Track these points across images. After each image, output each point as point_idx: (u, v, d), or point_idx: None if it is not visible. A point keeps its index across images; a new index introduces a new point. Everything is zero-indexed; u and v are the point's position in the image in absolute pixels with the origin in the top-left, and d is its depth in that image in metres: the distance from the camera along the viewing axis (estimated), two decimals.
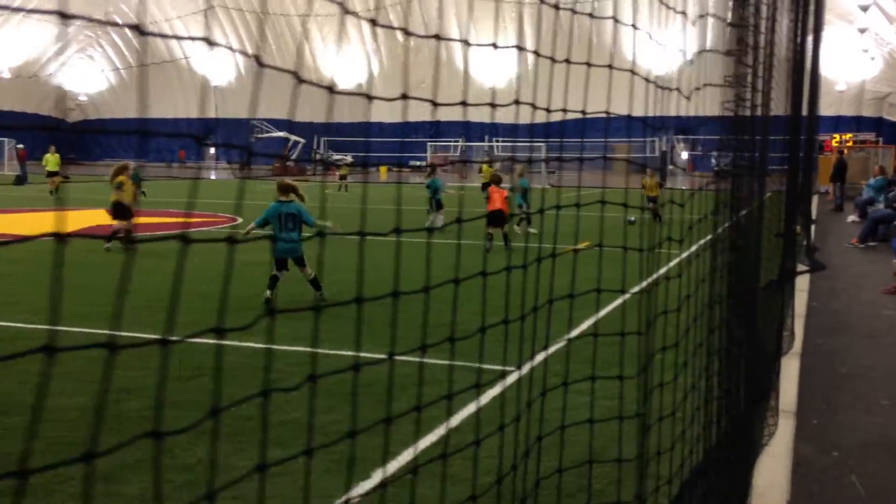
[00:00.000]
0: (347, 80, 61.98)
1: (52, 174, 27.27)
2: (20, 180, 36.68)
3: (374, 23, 1.55)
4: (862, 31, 44.97)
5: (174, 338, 1.22)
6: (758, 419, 5.13)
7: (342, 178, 34.74)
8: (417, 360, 6.29)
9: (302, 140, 56.96)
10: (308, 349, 6.84)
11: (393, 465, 4.64)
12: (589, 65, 2.42)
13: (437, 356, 4.60)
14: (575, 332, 7.10)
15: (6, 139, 51.39)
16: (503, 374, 5.60)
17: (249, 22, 63.15)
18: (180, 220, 20.29)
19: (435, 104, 1.91)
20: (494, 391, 5.81)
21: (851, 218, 21.54)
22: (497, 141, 53.99)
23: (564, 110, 2.34)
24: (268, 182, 41.49)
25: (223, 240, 1.38)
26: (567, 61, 2.33)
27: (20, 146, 46.24)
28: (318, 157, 57.84)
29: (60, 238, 1.02)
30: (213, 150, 62.79)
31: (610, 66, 2.50)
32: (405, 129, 53.36)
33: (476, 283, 2.25)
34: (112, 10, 63.43)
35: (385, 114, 57.38)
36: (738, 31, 2.86)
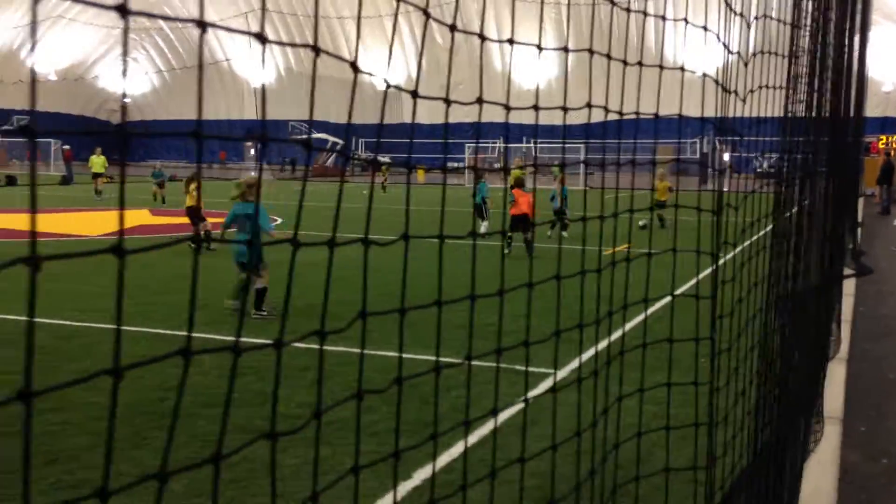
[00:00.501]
0: (386, 81, 62.11)
1: (97, 175, 27.78)
2: (66, 180, 37.46)
3: (425, 13, 1.54)
4: None
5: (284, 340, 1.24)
6: (805, 425, 5.05)
7: (384, 179, 34.99)
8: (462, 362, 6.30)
9: (340, 141, 57.31)
10: (349, 349, 6.89)
11: (438, 464, 4.65)
12: (640, 65, 2.41)
13: (482, 359, 4.62)
14: (633, 333, 7.05)
15: (52, 140, 52.48)
16: (544, 378, 5.58)
17: (290, 24, 63.73)
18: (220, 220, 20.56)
19: (479, 101, 1.91)
20: (536, 394, 5.79)
21: None
22: (535, 142, 53.80)
23: (607, 110, 2.33)
24: (309, 182, 41.86)
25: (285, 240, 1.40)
26: (608, 56, 2.32)
27: (66, 147, 47.22)
28: (357, 158, 58.18)
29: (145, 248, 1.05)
30: (252, 151, 63.45)
31: (660, 67, 2.48)
32: (443, 130, 53.45)
33: (518, 286, 2.25)
34: (157, 13, 64.35)
35: (422, 115, 57.52)
36: (794, 32, 2.83)
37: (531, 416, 5.18)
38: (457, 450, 4.82)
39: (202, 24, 1.05)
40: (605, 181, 2.59)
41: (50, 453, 4.72)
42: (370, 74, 1.41)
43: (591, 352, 6.54)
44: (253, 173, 19.06)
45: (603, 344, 6.51)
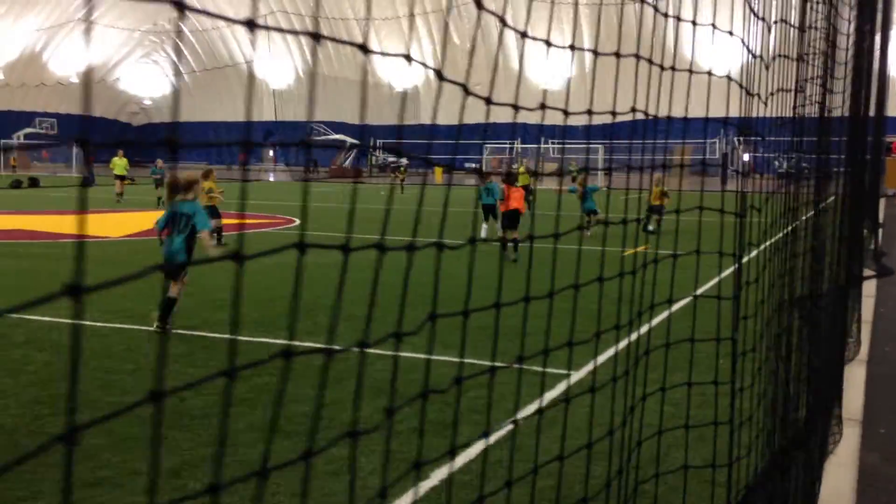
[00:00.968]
0: (404, 82, 62.39)
1: (119, 177, 28.01)
2: (87, 182, 37.78)
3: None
4: None
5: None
6: (823, 427, 5.02)
7: (401, 180, 35.13)
8: (481, 362, 6.32)
9: (357, 142, 57.46)
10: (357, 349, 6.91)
11: (458, 463, 4.67)
12: (673, 69, 2.42)
13: (486, 357, 4.63)
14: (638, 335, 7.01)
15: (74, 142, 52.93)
16: (562, 378, 5.58)
17: (308, 26, 64.03)
18: (240, 221, 20.68)
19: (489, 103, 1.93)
20: (551, 395, 5.80)
21: None
22: (552, 142, 53.72)
23: (618, 111, 2.34)
24: (326, 184, 42.04)
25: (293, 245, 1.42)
26: (636, 55, 2.33)
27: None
28: (374, 159, 58.33)
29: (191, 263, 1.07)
30: (271, 153, 63.82)
31: (690, 71, 2.49)
32: (460, 131, 53.41)
33: (541, 296, 2.27)
34: (177, 16, 64.96)
35: (440, 116, 57.55)
36: (801, 35, 2.82)
37: (549, 416, 5.19)
38: (474, 450, 4.84)
39: (253, 26, 1.07)
40: (625, 182, 2.61)
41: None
42: (383, 54, 1.42)
43: (610, 352, 6.54)
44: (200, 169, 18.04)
45: (622, 344, 6.51)
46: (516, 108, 1.89)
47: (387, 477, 4.17)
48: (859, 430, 5.57)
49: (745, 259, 2.93)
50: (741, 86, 2.70)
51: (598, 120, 2.68)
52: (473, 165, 53.31)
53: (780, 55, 2.74)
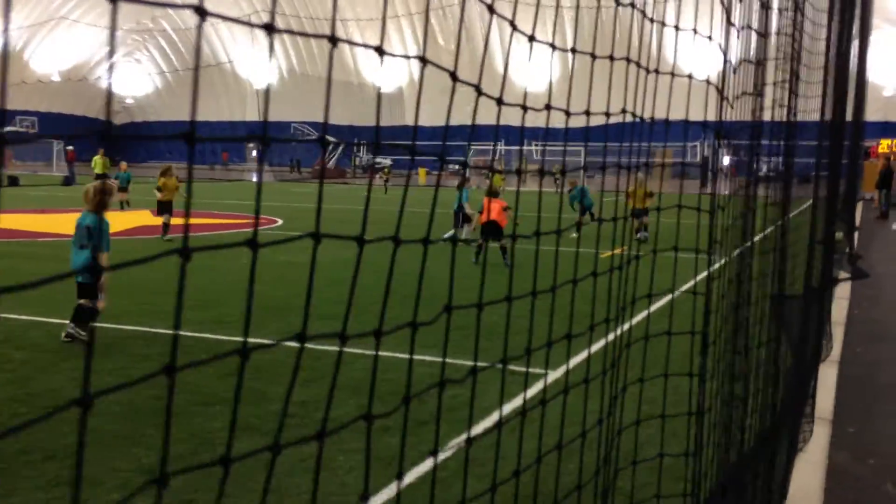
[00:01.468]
0: (388, 84, 62.38)
1: (100, 177, 27.86)
2: (68, 181, 37.58)
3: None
4: None
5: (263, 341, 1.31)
6: (794, 426, 5.11)
7: (385, 180, 35.18)
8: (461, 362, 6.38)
9: (342, 143, 57.42)
10: (335, 348, 6.95)
11: (425, 465, 4.73)
12: (656, 72, 2.48)
13: (464, 357, 4.69)
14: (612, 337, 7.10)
15: (56, 140, 52.62)
16: (529, 377, 5.63)
17: (292, 26, 63.87)
18: (220, 221, 20.65)
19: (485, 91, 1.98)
20: (527, 395, 5.86)
21: None
22: (535, 144, 53.92)
23: (599, 113, 2.41)
24: (308, 184, 41.97)
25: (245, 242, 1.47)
26: (610, 58, 2.39)
27: (69, 148, 47.36)
28: (358, 159, 58.29)
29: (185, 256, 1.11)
30: (254, 153, 63.61)
31: (672, 74, 2.55)
32: (441, 132, 53.43)
33: (506, 285, 2.32)
34: (159, 14, 64.65)
35: (423, 117, 57.62)
36: (769, 39, 2.90)
37: (527, 416, 5.24)
38: (451, 448, 4.89)
39: (202, 12, 1.10)
40: (606, 184, 2.67)
41: (47, 450, 4.79)
42: (351, 43, 1.48)
43: (583, 354, 6.61)
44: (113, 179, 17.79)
45: (599, 345, 6.59)
46: (498, 103, 1.94)
47: (368, 475, 4.21)
48: (829, 430, 5.67)
49: (722, 259, 3.00)
50: (718, 90, 2.77)
51: (581, 122, 2.75)
52: (458, 167, 53.44)
53: (745, 60, 2.81)
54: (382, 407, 5.63)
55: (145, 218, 20.61)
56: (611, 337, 2.74)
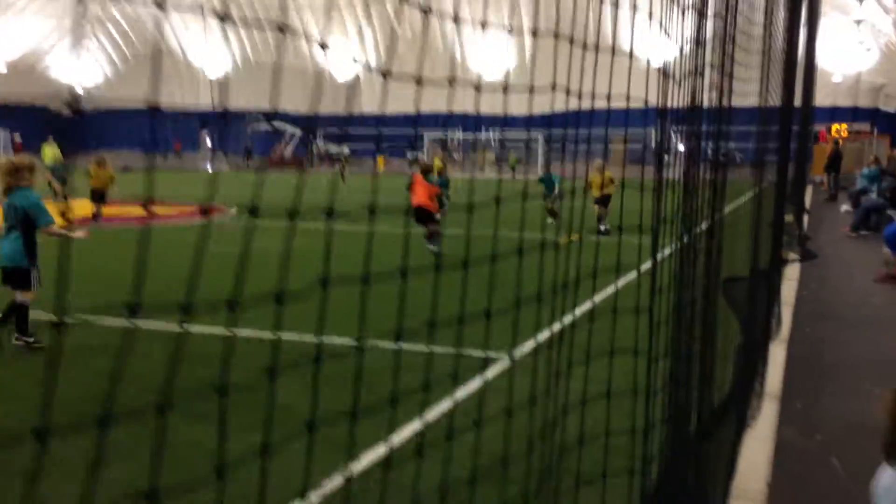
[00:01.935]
0: (344, 72, 61.97)
1: (51, 169, 27.02)
2: None
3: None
4: (858, 22, 45.05)
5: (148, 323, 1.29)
6: (742, 403, 5.22)
7: (343, 168, 34.96)
8: (411, 348, 6.39)
9: (298, 131, 56.96)
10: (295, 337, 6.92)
11: (380, 451, 4.73)
12: (614, 54, 2.49)
13: (419, 342, 4.71)
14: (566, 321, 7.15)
15: (2, 130, 51.36)
16: (486, 362, 5.67)
17: (245, 13, 63.01)
18: (173, 210, 20.35)
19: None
20: (475, 383, 5.89)
21: (844, 207, 21.65)
22: (493, 131, 53.99)
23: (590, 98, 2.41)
24: (268, 173, 41.51)
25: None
26: (555, 35, 2.41)
27: (16, 134, 46.27)
28: (316, 148, 57.85)
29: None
30: (209, 142, 62.75)
31: (630, 55, 2.57)
32: (402, 120, 53.20)
33: (457, 272, 2.33)
34: (110, 2, 63.33)
35: (377, 107, 57.36)
36: (709, 21, 2.94)
37: (472, 400, 5.27)
38: (408, 430, 4.91)
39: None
40: (567, 172, 2.69)
41: None
42: (299, 34, 1.46)
43: (526, 346, 6.66)
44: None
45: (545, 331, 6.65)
46: (469, 91, 1.93)
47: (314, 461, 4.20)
48: (778, 406, 5.80)
49: (671, 241, 3.04)
50: (666, 75, 2.80)
51: (537, 110, 2.75)
52: (418, 154, 53.30)
53: (688, 41, 2.85)
54: (328, 390, 5.62)
55: (91, 208, 20.07)
56: (565, 320, 2.77)
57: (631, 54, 2.57)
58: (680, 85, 2.91)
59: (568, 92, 2.57)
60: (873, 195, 18.11)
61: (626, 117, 3.05)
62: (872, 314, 9.10)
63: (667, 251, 3.19)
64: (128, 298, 1.22)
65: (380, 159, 52.02)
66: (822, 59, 37.25)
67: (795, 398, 6.01)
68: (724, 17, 3.17)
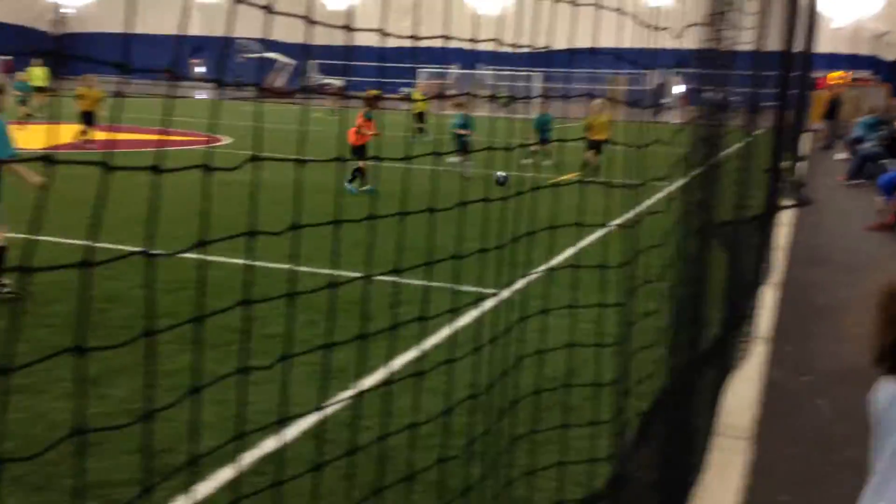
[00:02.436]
0: (337, 1, 60.74)
1: (39, 89, 26.36)
2: (1, 91, 35.99)
3: None
4: None
5: (159, 251, 1.25)
6: (731, 345, 5.26)
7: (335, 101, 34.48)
8: (410, 281, 6.37)
9: (292, 62, 56.02)
10: (288, 266, 6.90)
11: (370, 379, 4.75)
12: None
13: (415, 277, 4.69)
14: (557, 260, 7.17)
15: None
16: (481, 298, 5.66)
17: None
18: (157, 137, 20.07)
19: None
20: (474, 312, 5.89)
21: (840, 155, 21.59)
22: (486, 69, 53.28)
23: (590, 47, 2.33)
24: (259, 103, 41.05)
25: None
26: None
27: (8, 57, 45.32)
28: (308, 80, 56.97)
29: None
30: (198, 69, 61.72)
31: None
32: (393, 54, 52.36)
33: (463, 210, 2.28)
34: None
35: (373, 38, 56.36)
36: None
37: (460, 338, 5.28)
38: (398, 362, 4.93)
39: None
40: (565, 112, 2.62)
41: None
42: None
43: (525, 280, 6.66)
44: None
45: (545, 267, 6.64)
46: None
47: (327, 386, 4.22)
48: (768, 348, 5.85)
49: (665, 189, 2.99)
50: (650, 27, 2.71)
51: (535, 48, 2.67)
52: (409, 90, 52.63)
53: None
54: (325, 322, 5.62)
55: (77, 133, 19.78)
56: (556, 260, 2.74)
57: None
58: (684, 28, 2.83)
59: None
60: (870, 144, 18.03)
61: (636, 59, 2.96)
62: (863, 260, 9.14)
63: (666, 191, 3.15)
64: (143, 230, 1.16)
65: (371, 92, 51.38)
66: (823, 5, 36.71)
67: (786, 341, 6.05)
68: None
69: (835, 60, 47.72)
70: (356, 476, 3.50)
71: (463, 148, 14.43)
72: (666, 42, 2.96)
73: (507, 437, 3.05)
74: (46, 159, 1.20)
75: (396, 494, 3.25)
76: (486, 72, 53.33)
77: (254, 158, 1.73)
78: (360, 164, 12.50)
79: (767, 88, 6.65)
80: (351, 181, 12.78)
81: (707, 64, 3.38)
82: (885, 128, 18.28)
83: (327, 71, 58.71)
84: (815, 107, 30.56)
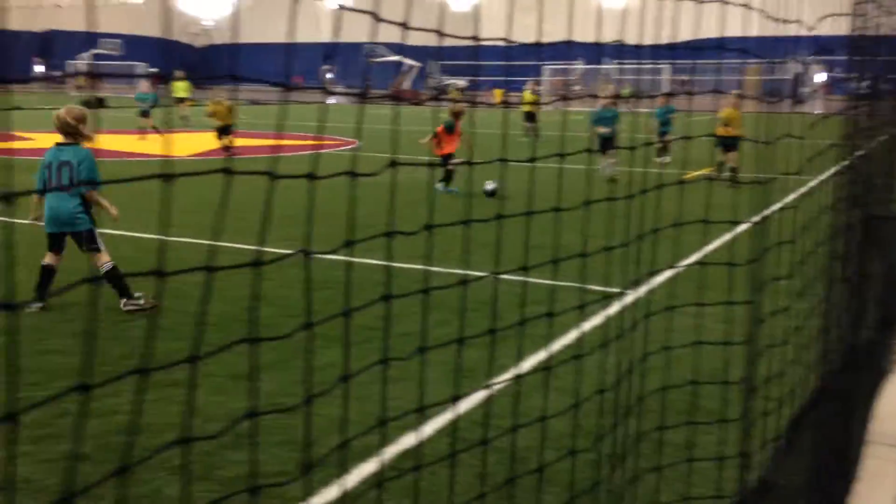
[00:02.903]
0: (461, 2, 61.20)
1: (180, 100, 27.84)
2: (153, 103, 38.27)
3: None
4: None
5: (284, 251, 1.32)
6: (885, 348, 4.97)
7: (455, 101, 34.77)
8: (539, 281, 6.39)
9: (417, 64, 56.93)
10: (421, 266, 7.04)
11: (500, 378, 4.79)
12: None
13: (542, 276, 4.68)
14: (692, 259, 6.98)
15: (139, 63, 53.67)
16: (606, 297, 5.59)
17: None
18: (307, 143, 20.86)
19: None
20: (602, 312, 5.83)
21: None
22: (616, 63, 52.34)
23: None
24: (385, 106, 42.07)
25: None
26: None
27: (155, 70, 48.31)
28: (432, 81, 57.79)
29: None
30: (329, 75, 63.69)
31: None
32: (518, 51, 52.27)
33: (591, 208, 2.28)
34: None
35: (498, 36, 56.44)
36: None
37: (588, 338, 5.23)
38: (528, 364, 4.95)
39: None
40: (694, 105, 2.58)
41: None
42: None
43: (664, 275, 6.52)
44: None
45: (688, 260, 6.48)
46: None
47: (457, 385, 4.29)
48: None
49: (813, 181, 2.88)
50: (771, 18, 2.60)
51: (661, 40, 2.63)
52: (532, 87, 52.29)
53: None
54: (457, 320, 5.69)
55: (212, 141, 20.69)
56: (695, 256, 2.68)
57: None
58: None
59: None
60: None
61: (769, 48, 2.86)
62: None
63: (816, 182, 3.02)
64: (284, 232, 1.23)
65: (497, 92, 51.47)
66: None
67: None
68: None
69: None
70: (488, 475, 3.55)
71: (606, 146, 13.56)
72: (801, 30, 2.85)
73: (634, 434, 3.02)
74: (225, 171, 1.30)
75: (528, 493, 3.28)
76: (610, 66, 52.39)
77: (392, 164, 1.80)
78: (450, 166, 12.67)
79: None
80: (445, 182, 12.91)
81: (857, 52, 3.22)
82: None
83: (450, 71, 59.28)
84: None
